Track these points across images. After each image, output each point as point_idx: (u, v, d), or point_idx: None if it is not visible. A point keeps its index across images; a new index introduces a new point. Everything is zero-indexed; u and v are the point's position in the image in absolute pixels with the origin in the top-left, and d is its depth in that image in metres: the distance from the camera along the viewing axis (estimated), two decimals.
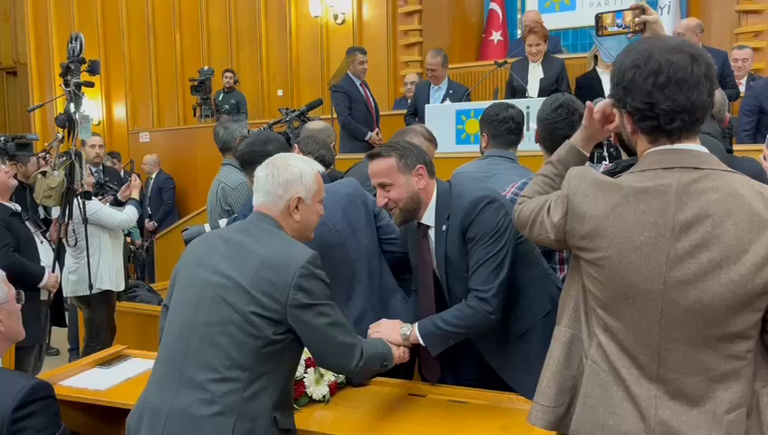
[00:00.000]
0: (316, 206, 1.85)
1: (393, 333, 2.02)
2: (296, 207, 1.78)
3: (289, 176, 1.78)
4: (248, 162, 2.49)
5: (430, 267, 2.16)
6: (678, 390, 1.34)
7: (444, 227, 2.08)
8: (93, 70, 3.89)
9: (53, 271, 3.59)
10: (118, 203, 4.41)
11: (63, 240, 3.79)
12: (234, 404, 1.60)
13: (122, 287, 4.20)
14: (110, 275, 4.07)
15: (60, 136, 3.88)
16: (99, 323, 4.05)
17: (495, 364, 2.16)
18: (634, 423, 1.37)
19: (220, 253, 1.73)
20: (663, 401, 1.35)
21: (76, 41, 3.85)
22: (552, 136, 2.24)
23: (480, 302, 1.98)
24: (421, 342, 2.01)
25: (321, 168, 1.90)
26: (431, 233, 2.12)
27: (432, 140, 2.74)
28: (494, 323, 2.02)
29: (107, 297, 4.10)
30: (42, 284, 3.49)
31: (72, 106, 3.73)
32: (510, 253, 2.02)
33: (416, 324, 2.03)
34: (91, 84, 3.89)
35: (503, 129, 2.67)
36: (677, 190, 1.31)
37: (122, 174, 6.86)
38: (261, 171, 1.82)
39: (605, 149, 2.38)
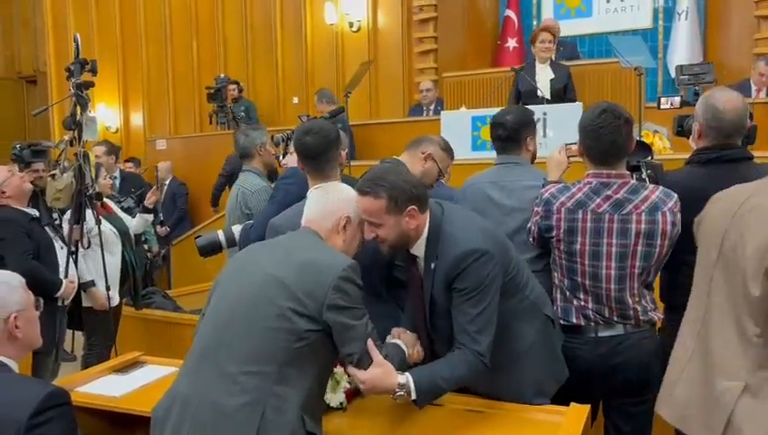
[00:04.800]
0: (359, 231, 1.96)
1: (388, 383, 1.81)
2: (344, 226, 1.91)
3: (342, 196, 1.95)
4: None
5: (419, 293, 2.11)
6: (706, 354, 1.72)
7: (432, 266, 2.02)
8: (93, 70, 3.88)
9: (67, 275, 3.58)
10: (145, 210, 4.39)
11: (78, 243, 3.78)
12: (262, 396, 1.63)
13: (114, 303, 3.93)
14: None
15: (66, 139, 3.88)
16: (89, 330, 3.97)
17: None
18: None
19: (265, 254, 1.85)
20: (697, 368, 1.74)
21: (74, 42, 3.87)
22: (598, 142, 2.16)
23: (475, 356, 1.90)
24: (413, 397, 1.83)
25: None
26: (420, 262, 2.07)
27: (448, 149, 2.72)
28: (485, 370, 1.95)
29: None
30: (58, 294, 3.48)
31: (78, 109, 3.72)
32: (495, 303, 1.96)
33: (411, 377, 1.83)
34: (90, 84, 3.86)
35: (493, 134, 2.66)
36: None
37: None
38: (314, 191, 2.02)
39: (643, 171, 2.34)
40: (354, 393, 2.11)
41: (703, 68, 3.70)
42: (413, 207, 1.95)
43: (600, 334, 2.19)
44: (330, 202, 1.92)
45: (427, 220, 2.02)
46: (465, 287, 1.93)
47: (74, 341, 4.28)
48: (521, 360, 2.11)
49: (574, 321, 2.22)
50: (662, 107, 3.75)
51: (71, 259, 3.67)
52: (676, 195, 2.17)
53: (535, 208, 2.29)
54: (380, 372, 1.79)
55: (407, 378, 1.82)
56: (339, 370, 2.11)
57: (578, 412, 1.95)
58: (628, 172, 2.22)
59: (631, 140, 2.21)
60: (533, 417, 2.00)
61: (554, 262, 2.28)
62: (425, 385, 1.84)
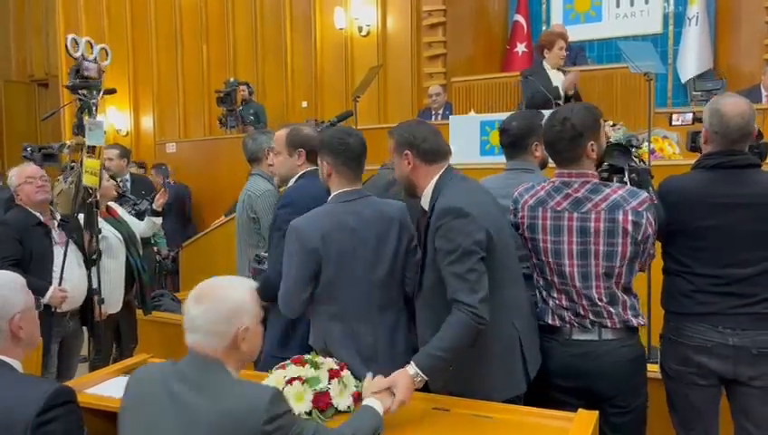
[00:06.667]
0: (260, 327, 1.66)
1: (407, 382, 1.92)
2: (243, 338, 1.59)
3: (231, 306, 1.58)
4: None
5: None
6: None
7: (427, 220, 2.14)
8: (87, 69, 3.84)
9: (60, 283, 3.42)
10: (154, 213, 4.34)
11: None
12: None
13: (114, 310, 3.86)
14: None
15: (69, 143, 3.87)
16: (96, 335, 3.93)
17: None
18: None
19: (166, 419, 1.54)
20: None
21: (65, 43, 3.87)
22: (547, 145, 2.27)
23: (466, 312, 1.94)
24: (426, 378, 1.97)
25: (254, 284, 1.70)
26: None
27: None
28: (482, 329, 1.98)
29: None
30: (45, 299, 3.30)
31: (84, 113, 3.70)
32: (482, 266, 1.99)
33: (415, 364, 1.95)
34: (86, 85, 3.74)
35: (502, 141, 2.68)
36: None
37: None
38: (193, 308, 1.58)
39: (626, 174, 2.34)
40: (361, 396, 2.11)
41: (716, 84, 3.72)
42: (407, 151, 2.17)
43: (573, 337, 2.19)
44: (221, 318, 1.56)
45: (435, 176, 2.16)
46: (443, 247, 2.02)
47: (90, 345, 4.27)
48: (475, 360, 2.09)
49: (549, 321, 2.23)
50: (674, 123, 3.76)
51: (80, 267, 3.60)
52: (644, 194, 2.16)
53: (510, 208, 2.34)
54: (402, 390, 1.89)
55: (413, 367, 1.94)
56: (346, 373, 2.11)
57: (586, 419, 1.94)
58: (591, 172, 2.20)
59: (581, 149, 2.15)
60: (541, 422, 1.99)
61: (531, 262, 2.31)
62: (428, 365, 1.95)
